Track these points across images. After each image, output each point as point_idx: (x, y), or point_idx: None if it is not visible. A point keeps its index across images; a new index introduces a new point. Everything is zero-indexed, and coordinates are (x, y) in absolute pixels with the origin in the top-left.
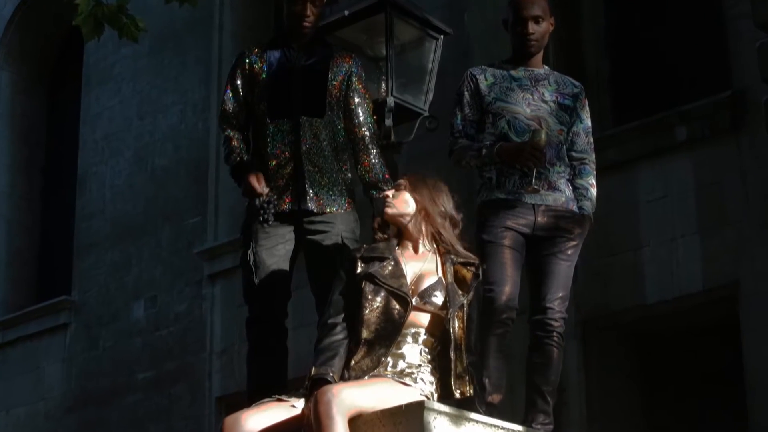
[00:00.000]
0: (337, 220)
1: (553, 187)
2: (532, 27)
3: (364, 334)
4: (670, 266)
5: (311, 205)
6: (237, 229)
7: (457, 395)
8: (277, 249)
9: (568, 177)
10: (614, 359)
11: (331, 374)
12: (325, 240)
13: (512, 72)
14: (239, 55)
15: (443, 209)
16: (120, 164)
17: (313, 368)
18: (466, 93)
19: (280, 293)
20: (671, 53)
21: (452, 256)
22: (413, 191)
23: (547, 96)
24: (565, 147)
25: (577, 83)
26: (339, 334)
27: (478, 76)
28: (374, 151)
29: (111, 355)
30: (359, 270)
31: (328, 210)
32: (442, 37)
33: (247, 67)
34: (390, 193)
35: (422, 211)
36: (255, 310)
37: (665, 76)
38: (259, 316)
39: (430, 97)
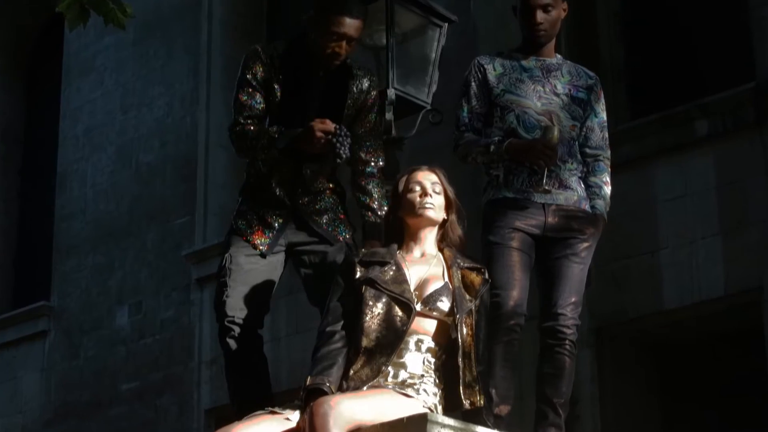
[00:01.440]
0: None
1: (564, 186)
2: (540, 16)
3: (364, 342)
4: (690, 270)
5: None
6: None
7: (467, 405)
8: (257, 257)
9: (580, 174)
10: (630, 369)
11: (328, 384)
12: (328, 248)
13: (523, 62)
14: (251, 55)
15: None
16: (102, 161)
17: (309, 378)
18: (473, 84)
19: (254, 301)
20: (691, 42)
21: (459, 261)
22: (444, 187)
23: (560, 88)
24: (577, 143)
25: (591, 74)
26: (337, 343)
27: (486, 66)
28: (377, 189)
29: (93, 364)
30: (358, 275)
31: (339, 237)
32: (446, 24)
33: (261, 73)
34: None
35: (450, 215)
36: (222, 317)
37: (685, 66)
38: (230, 323)
39: (434, 89)
